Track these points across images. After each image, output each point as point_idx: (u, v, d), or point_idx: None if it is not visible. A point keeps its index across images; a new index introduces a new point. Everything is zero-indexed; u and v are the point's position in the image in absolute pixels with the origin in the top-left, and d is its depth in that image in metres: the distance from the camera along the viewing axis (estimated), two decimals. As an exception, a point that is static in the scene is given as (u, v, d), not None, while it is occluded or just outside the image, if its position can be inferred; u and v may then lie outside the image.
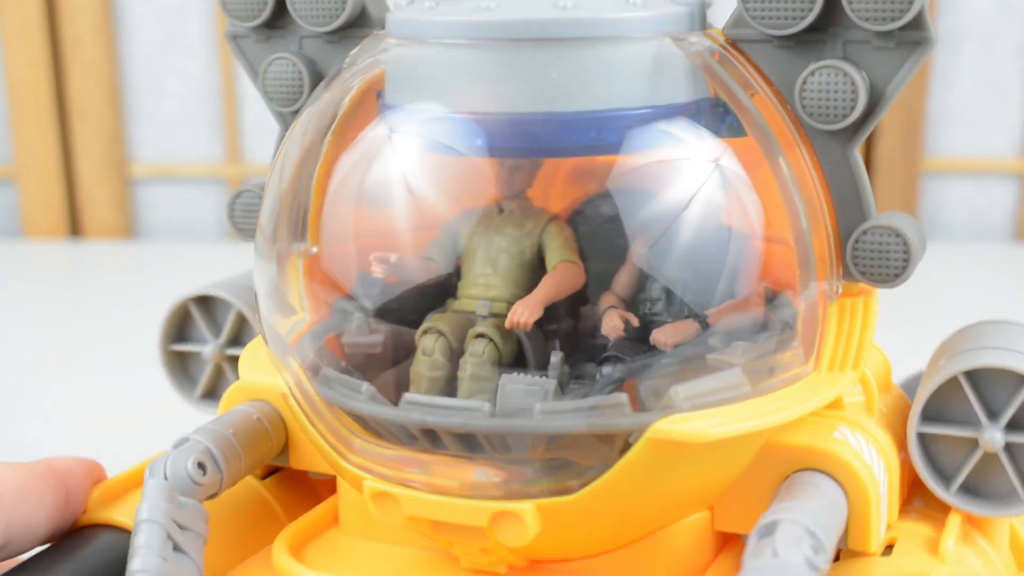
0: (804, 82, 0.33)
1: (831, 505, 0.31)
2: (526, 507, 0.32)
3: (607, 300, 0.34)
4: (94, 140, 1.17)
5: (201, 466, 0.34)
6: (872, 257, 0.33)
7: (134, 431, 0.67)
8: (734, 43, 0.34)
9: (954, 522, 0.35)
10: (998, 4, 1.17)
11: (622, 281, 0.34)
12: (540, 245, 0.35)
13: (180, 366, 0.47)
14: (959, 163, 1.18)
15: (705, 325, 0.33)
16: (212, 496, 0.35)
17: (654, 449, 0.31)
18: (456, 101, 0.34)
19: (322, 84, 0.38)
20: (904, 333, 0.58)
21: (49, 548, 0.35)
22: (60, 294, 1.03)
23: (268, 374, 0.37)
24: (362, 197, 0.36)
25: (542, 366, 0.33)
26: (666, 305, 0.34)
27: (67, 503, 0.36)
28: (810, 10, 0.32)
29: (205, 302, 0.46)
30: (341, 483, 0.38)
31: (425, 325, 0.34)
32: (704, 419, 0.31)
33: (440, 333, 0.34)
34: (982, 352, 0.35)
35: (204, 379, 0.46)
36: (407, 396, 0.33)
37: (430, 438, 0.33)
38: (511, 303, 0.34)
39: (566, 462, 0.33)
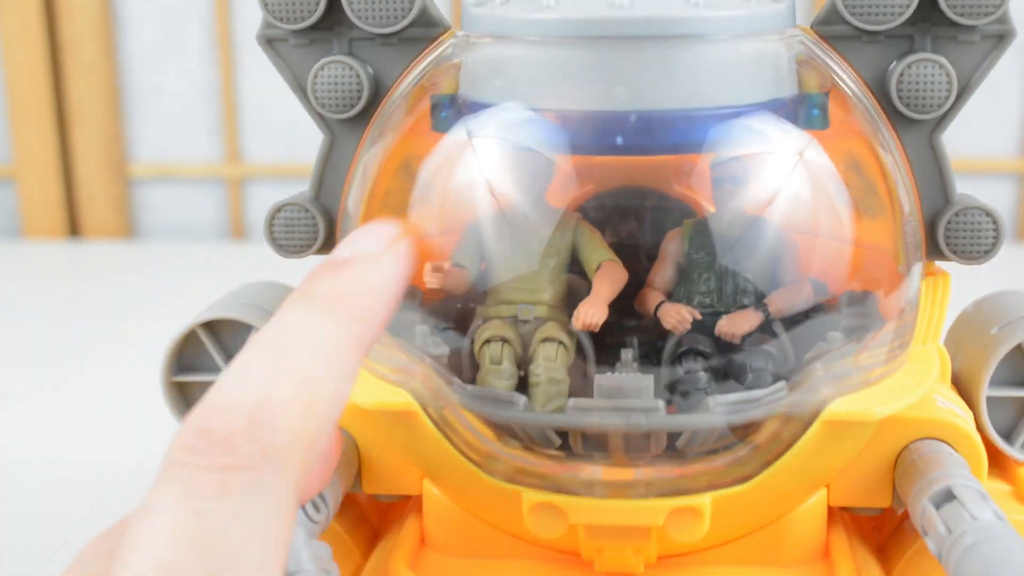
0: (901, 74, 0.34)
1: (966, 467, 0.32)
2: (704, 500, 0.32)
3: (654, 297, 0.35)
4: (94, 140, 1.17)
5: (315, 505, 0.33)
6: (965, 236, 0.35)
7: (134, 431, 0.67)
8: (824, 38, 0.36)
9: None
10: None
11: (665, 276, 0.35)
12: (573, 245, 0.34)
13: (182, 398, 0.44)
14: (959, 163, 1.20)
15: (852, 316, 0.34)
16: (321, 532, 0.34)
17: (825, 430, 0.32)
18: (573, 98, 0.35)
19: (408, 84, 0.37)
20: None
21: None
22: (60, 294, 1.03)
23: None
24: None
25: (602, 363, 0.33)
26: (743, 297, 0.35)
27: None
28: (908, 6, 0.34)
29: (211, 327, 0.44)
30: (429, 499, 0.37)
31: (486, 334, 0.34)
32: (864, 400, 0.32)
33: (505, 340, 0.33)
34: None
35: None
36: (574, 402, 0.32)
37: (593, 442, 0.32)
38: (551, 306, 0.34)
39: (735, 455, 0.33)
